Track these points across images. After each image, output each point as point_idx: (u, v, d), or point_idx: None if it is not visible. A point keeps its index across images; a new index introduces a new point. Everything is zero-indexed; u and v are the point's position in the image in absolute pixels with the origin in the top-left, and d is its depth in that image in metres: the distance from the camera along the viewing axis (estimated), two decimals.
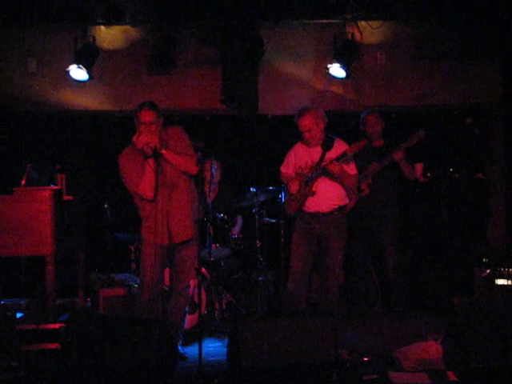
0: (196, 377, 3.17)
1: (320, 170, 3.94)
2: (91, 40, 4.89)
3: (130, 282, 4.48)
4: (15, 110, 5.14)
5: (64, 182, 3.91)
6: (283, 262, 4.68)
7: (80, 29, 4.87)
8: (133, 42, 5.06)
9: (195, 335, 3.81)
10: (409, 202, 5.16)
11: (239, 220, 5.12)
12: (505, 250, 5.04)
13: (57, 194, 3.70)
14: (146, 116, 3.47)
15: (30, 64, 5.02)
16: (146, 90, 5.01)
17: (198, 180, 3.68)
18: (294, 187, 4.03)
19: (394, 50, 5.11)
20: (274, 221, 5.02)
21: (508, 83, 5.11)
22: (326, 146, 3.99)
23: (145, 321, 3.44)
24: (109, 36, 5.04)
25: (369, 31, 5.05)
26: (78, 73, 4.83)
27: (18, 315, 3.75)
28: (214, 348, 4.02)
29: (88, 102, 5.11)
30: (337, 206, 4.01)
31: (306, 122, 3.96)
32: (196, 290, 4.14)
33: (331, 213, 4.00)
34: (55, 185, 3.86)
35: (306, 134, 3.99)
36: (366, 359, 3.50)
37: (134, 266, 4.68)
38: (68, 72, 4.81)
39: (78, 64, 4.76)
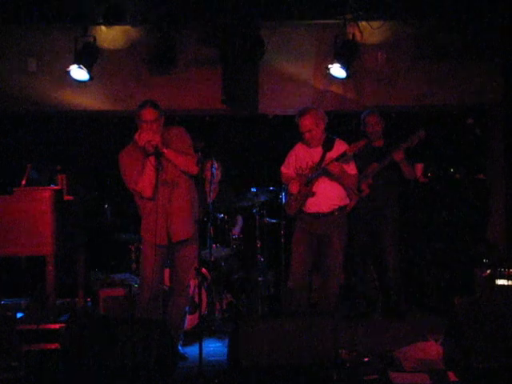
0: (196, 377, 3.17)
1: (320, 170, 3.95)
2: (91, 40, 4.89)
3: (131, 282, 4.48)
4: (15, 110, 5.14)
5: (64, 182, 3.91)
6: (283, 263, 4.68)
7: (80, 29, 4.88)
8: (133, 42, 5.06)
9: (195, 335, 3.82)
10: (409, 202, 5.16)
11: (239, 220, 5.12)
12: (505, 251, 5.04)
13: (57, 194, 3.70)
14: (148, 114, 3.48)
15: (30, 64, 5.02)
16: (146, 90, 5.01)
17: (199, 180, 3.69)
18: (294, 187, 4.04)
19: (394, 50, 5.11)
20: (274, 221, 5.02)
21: (508, 83, 5.11)
22: (327, 146, 4.00)
23: (145, 321, 3.44)
24: (109, 36, 5.04)
25: (369, 31, 5.05)
26: (78, 73, 4.83)
27: (19, 315, 3.75)
28: (214, 348, 4.02)
29: (88, 102, 5.11)
30: (337, 207, 4.02)
31: (306, 123, 3.97)
32: (196, 290, 4.14)
33: (331, 213, 4.00)
34: (55, 185, 3.86)
35: (307, 135, 4.00)
36: (366, 359, 3.51)
37: (134, 266, 4.68)
38: (68, 72, 4.81)
39: (78, 64, 4.76)
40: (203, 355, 3.20)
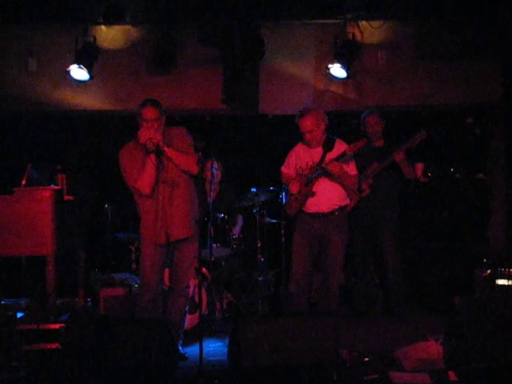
0: (196, 377, 3.17)
1: (320, 170, 3.95)
2: (92, 40, 4.89)
3: (131, 282, 4.48)
4: (15, 110, 5.14)
5: (64, 182, 3.91)
6: (284, 262, 4.68)
7: (80, 28, 4.87)
8: (133, 42, 5.05)
9: (196, 335, 3.82)
10: (409, 202, 5.16)
11: (240, 220, 5.12)
12: (505, 250, 5.04)
13: (57, 194, 3.70)
14: (149, 113, 3.49)
15: (30, 64, 5.02)
16: (146, 89, 5.00)
17: (199, 180, 3.69)
18: (294, 187, 4.04)
19: (394, 50, 5.11)
20: (274, 221, 5.02)
21: (508, 83, 5.10)
22: (327, 146, 4.00)
23: (145, 321, 3.44)
24: (109, 36, 5.03)
25: (369, 31, 5.05)
26: (78, 73, 4.83)
27: (19, 315, 3.75)
28: (214, 348, 4.02)
29: (88, 101, 5.11)
30: (337, 207, 4.02)
31: (307, 123, 3.97)
32: (196, 290, 4.14)
33: (332, 213, 4.00)
34: (56, 185, 3.86)
35: (307, 135, 4.00)
36: (366, 359, 3.51)
37: (134, 265, 4.68)
38: (68, 72, 4.81)
39: (78, 64, 4.76)
40: (203, 355, 3.20)
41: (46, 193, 3.63)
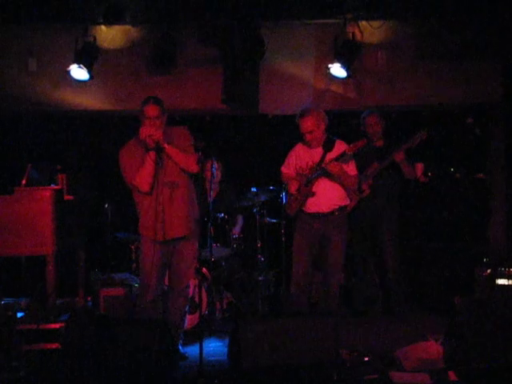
0: (196, 377, 3.16)
1: (320, 170, 3.95)
2: (92, 40, 4.88)
3: (131, 282, 4.48)
4: (15, 110, 5.13)
5: (64, 182, 3.91)
6: (284, 262, 4.68)
7: (80, 28, 4.87)
8: (133, 42, 5.05)
9: (196, 335, 3.82)
10: (409, 202, 5.16)
11: (240, 220, 5.12)
12: (505, 250, 5.03)
13: (57, 194, 3.70)
14: (151, 110, 3.51)
15: (30, 64, 5.02)
16: (146, 89, 4.99)
17: (199, 180, 3.69)
18: (293, 187, 4.04)
19: (394, 50, 5.10)
20: (274, 221, 5.02)
21: (508, 83, 5.10)
22: (327, 146, 4.00)
23: (145, 321, 3.44)
24: (109, 36, 5.03)
25: (369, 31, 5.04)
26: (78, 72, 4.82)
27: (19, 315, 3.75)
28: (214, 348, 4.02)
29: (88, 101, 5.10)
30: (337, 207, 4.02)
31: (307, 124, 3.96)
32: (197, 290, 4.14)
33: (331, 213, 4.00)
34: (56, 185, 3.86)
35: (307, 136, 4.00)
36: (366, 359, 3.50)
37: (134, 265, 4.68)
38: (68, 72, 4.80)
39: (78, 64, 4.76)
40: (203, 355, 3.20)
41: (46, 193, 3.63)
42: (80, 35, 4.85)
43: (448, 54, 5.01)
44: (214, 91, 5.02)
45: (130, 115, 4.57)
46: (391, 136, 4.63)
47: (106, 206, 4.97)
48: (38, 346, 3.45)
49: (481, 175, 4.83)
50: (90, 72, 4.83)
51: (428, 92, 5.11)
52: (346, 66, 4.87)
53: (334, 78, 5.02)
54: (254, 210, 4.93)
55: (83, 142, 5.41)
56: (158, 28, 4.89)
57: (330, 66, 4.92)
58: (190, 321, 4.16)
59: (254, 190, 4.83)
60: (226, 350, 3.52)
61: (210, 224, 3.70)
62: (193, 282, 4.05)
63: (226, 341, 3.63)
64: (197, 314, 4.20)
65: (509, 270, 4.21)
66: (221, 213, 4.82)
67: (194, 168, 3.56)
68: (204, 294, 4.33)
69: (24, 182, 3.71)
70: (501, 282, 4.24)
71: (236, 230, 4.98)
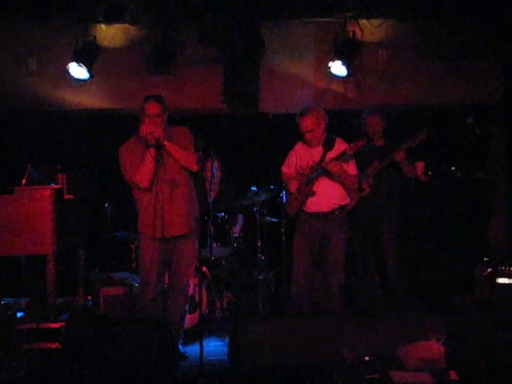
0: (197, 376, 3.15)
1: (320, 169, 3.94)
2: (91, 38, 4.87)
3: (131, 282, 4.47)
4: (15, 109, 5.12)
5: (64, 181, 3.91)
6: (284, 261, 4.66)
7: (80, 27, 4.86)
8: (133, 41, 5.03)
9: (196, 334, 3.80)
10: (409, 201, 5.14)
11: (240, 219, 5.11)
12: (505, 249, 5.02)
13: (57, 193, 3.69)
14: (152, 108, 3.51)
15: (30, 63, 5.00)
16: (146, 89, 4.96)
17: (199, 179, 3.69)
18: (293, 186, 4.03)
19: (395, 49, 5.09)
20: (275, 220, 5.01)
21: (509, 83, 5.09)
22: (327, 145, 3.99)
23: (145, 320, 3.43)
24: (109, 34, 5.02)
25: (370, 29, 5.03)
26: (78, 71, 4.81)
27: (19, 314, 3.74)
28: (214, 347, 4.00)
29: (88, 100, 5.09)
30: (337, 206, 4.01)
31: (307, 123, 3.95)
32: (197, 289, 4.13)
33: (332, 212, 3.99)
34: (56, 184, 3.85)
35: (307, 135, 3.99)
36: (366, 358, 3.49)
37: (134, 264, 4.67)
38: (68, 71, 4.79)
39: (78, 62, 4.74)
40: (204, 354, 3.19)
41: (46, 192, 3.62)
42: (80, 34, 4.84)
43: (448, 54, 5.00)
44: (214, 91, 5.02)
45: (129, 114, 4.55)
46: (391, 135, 4.62)
47: (106, 205, 4.96)
48: (38, 345, 3.44)
49: (481, 175, 4.82)
50: (89, 71, 4.81)
51: (428, 91, 5.11)
52: (346, 64, 4.86)
53: (334, 77, 5.01)
54: (255, 209, 4.92)
55: (83, 141, 5.39)
56: (158, 27, 4.87)
57: (330, 64, 4.91)
58: (189, 320, 4.15)
59: (254, 189, 4.82)
60: (226, 349, 3.51)
61: (210, 223, 3.69)
62: (193, 281, 4.04)
63: (227, 340, 3.62)
64: (197, 314, 4.18)
65: (509, 269, 4.21)
66: (221, 212, 4.80)
67: (194, 166, 3.56)
68: (204, 293, 4.31)
69: (24, 181, 3.70)
70: (501, 281, 4.23)
71: (236, 229, 4.97)
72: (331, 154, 3.95)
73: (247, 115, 5.32)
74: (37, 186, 3.69)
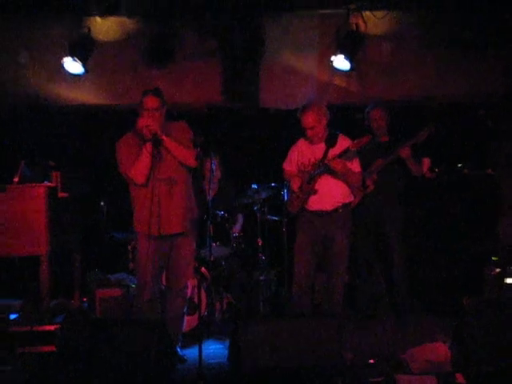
0: (196, 380, 3.15)
1: (322, 167, 3.93)
2: (86, 31, 4.86)
3: (128, 283, 4.47)
4: (7, 105, 5.12)
5: (58, 179, 3.90)
6: (286, 261, 4.66)
7: (75, 20, 4.85)
8: (129, 34, 5.03)
9: (195, 337, 3.80)
10: (415, 199, 5.13)
11: (240, 218, 5.10)
12: None
13: (51, 192, 3.69)
14: (150, 102, 3.52)
15: (22, 57, 5.00)
16: (143, 83, 4.94)
17: (197, 177, 3.69)
18: (295, 184, 4.02)
19: (399, 41, 5.08)
20: (276, 218, 5.00)
21: None
22: (330, 142, 3.98)
23: (143, 322, 3.43)
24: (104, 28, 5.01)
25: (373, 21, 5.02)
26: (72, 66, 4.81)
27: (12, 317, 3.74)
28: (214, 350, 4.00)
29: (83, 95, 5.09)
30: (341, 204, 3.99)
31: (308, 120, 3.94)
32: (195, 291, 4.13)
33: (335, 211, 3.98)
34: (49, 182, 3.85)
35: (309, 131, 3.98)
36: (371, 361, 3.49)
37: (131, 265, 4.67)
38: (62, 65, 4.78)
39: (72, 57, 4.74)
40: (203, 358, 3.19)
41: (40, 190, 3.62)
42: (74, 28, 4.83)
43: (455, 44, 4.98)
44: (213, 85, 5.02)
45: (126, 110, 4.55)
46: (396, 130, 4.61)
47: (102, 203, 4.96)
48: (33, 348, 3.45)
49: (490, 170, 4.80)
50: (84, 65, 4.81)
51: (434, 83, 5.09)
52: (349, 58, 4.86)
53: (337, 71, 5.01)
54: (255, 208, 4.91)
55: (78, 137, 5.39)
56: (155, 20, 4.86)
57: (332, 58, 4.90)
58: (188, 322, 4.14)
59: (254, 186, 4.81)
60: (226, 352, 3.51)
61: (209, 222, 3.69)
62: (192, 283, 4.03)
63: (226, 343, 3.62)
64: (196, 316, 4.19)
65: None
66: (220, 211, 4.80)
67: (192, 162, 3.56)
68: (203, 295, 4.31)
69: (16, 179, 3.70)
70: (510, 281, 4.22)
71: (236, 229, 4.97)
72: (334, 151, 3.93)
73: (247, 111, 5.32)
74: (29, 184, 3.69)
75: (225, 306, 4.64)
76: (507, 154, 5.19)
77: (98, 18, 4.99)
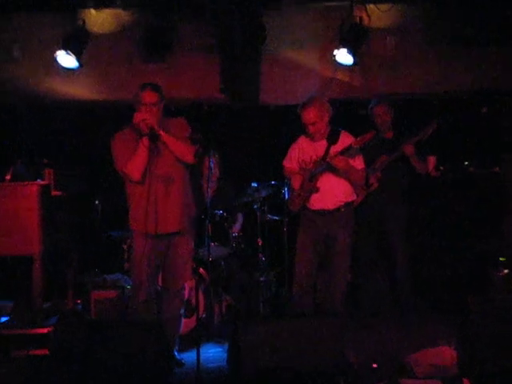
0: None
1: (324, 164, 3.93)
2: (81, 24, 4.86)
3: (123, 284, 4.47)
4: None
5: (52, 177, 3.90)
6: (286, 262, 4.67)
7: (69, 12, 4.85)
8: (125, 27, 5.02)
9: (193, 340, 3.81)
10: (419, 197, 5.14)
11: (240, 217, 5.10)
12: None
13: (44, 190, 3.69)
14: (148, 97, 3.52)
15: (14, 51, 4.99)
16: (139, 77, 4.93)
17: (195, 175, 3.69)
18: (296, 183, 4.02)
19: (403, 34, 5.08)
20: (276, 218, 5.01)
21: None
22: (332, 139, 3.98)
23: (139, 323, 3.43)
24: (99, 20, 5.00)
25: (377, 14, 5.01)
26: (66, 60, 4.80)
27: (3, 319, 3.74)
28: (213, 354, 4.00)
29: (77, 90, 5.09)
30: (343, 203, 3.99)
31: (310, 115, 3.93)
32: (193, 293, 4.13)
33: (337, 210, 3.98)
34: (42, 180, 3.85)
35: (310, 128, 3.97)
36: (374, 365, 3.49)
37: (126, 265, 4.66)
38: (56, 59, 4.78)
39: (66, 50, 4.73)
40: (201, 361, 3.19)
41: (33, 188, 3.63)
42: (68, 20, 4.83)
43: (460, 38, 4.98)
44: (213, 79, 5.01)
45: (122, 105, 4.55)
46: (401, 126, 4.61)
47: (97, 202, 4.96)
48: (25, 351, 3.45)
49: (496, 168, 4.81)
50: (78, 59, 4.80)
51: (437, 78, 5.09)
52: (352, 52, 4.85)
53: (340, 65, 5.00)
54: (255, 207, 4.91)
55: (72, 133, 5.38)
56: (152, 12, 4.86)
57: (335, 52, 4.90)
58: (186, 325, 4.14)
59: (254, 185, 4.81)
60: (224, 355, 3.51)
61: (207, 222, 3.69)
62: (189, 284, 4.03)
63: (225, 346, 3.62)
64: (193, 318, 4.18)
65: None
66: (219, 210, 4.80)
67: (190, 158, 3.56)
68: (201, 297, 4.32)
69: (8, 177, 3.70)
70: None
71: (235, 228, 4.97)
72: (336, 148, 3.93)
73: (247, 107, 5.32)
74: (22, 182, 3.69)
75: (224, 308, 4.63)
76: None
77: (92, 10, 4.99)
